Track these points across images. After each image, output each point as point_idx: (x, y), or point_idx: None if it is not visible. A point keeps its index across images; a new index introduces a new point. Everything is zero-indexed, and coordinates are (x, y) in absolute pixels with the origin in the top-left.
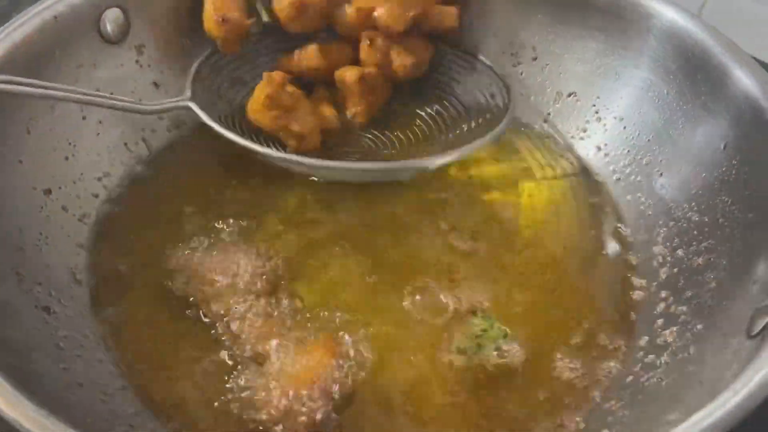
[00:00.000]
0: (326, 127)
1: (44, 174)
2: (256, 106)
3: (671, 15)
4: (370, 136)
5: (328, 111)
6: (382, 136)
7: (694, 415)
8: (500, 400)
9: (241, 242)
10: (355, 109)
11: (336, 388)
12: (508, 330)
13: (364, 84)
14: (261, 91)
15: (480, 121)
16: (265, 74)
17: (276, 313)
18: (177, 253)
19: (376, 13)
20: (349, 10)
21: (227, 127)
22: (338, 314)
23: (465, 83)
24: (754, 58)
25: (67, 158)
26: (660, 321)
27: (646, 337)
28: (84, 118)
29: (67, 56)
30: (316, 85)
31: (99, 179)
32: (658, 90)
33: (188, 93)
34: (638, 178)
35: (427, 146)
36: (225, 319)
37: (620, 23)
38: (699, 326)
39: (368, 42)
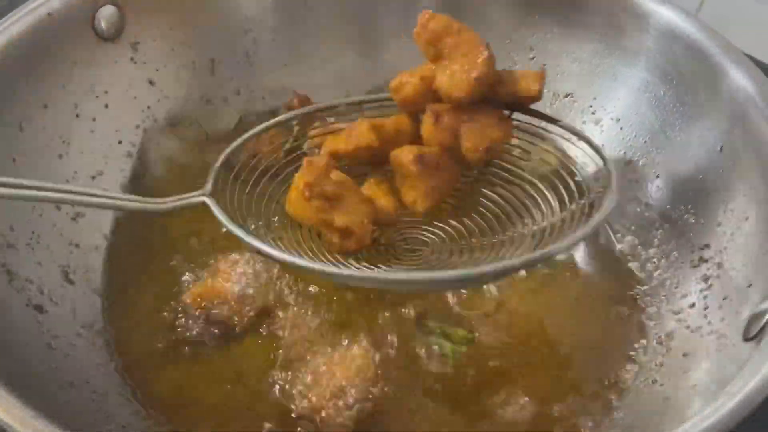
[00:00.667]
0: (381, 220)
1: (37, 172)
2: (294, 197)
3: (668, 15)
4: (432, 229)
5: (384, 199)
6: (448, 227)
7: (688, 419)
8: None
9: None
10: (412, 195)
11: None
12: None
13: (424, 165)
14: (300, 179)
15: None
16: (305, 159)
17: None
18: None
19: (437, 81)
20: (412, 79)
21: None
22: None
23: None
24: (752, 58)
25: (60, 156)
26: (654, 323)
27: (642, 338)
28: (77, 116)
29: (61, 53)
30: (371, 170)
31: (93, 177)
32: (655, 91)
33: (208, 187)
34: (635, 180)
35: (505, 244)
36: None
37: (617, 23)
38: (694, 328)
39: (433, 117)
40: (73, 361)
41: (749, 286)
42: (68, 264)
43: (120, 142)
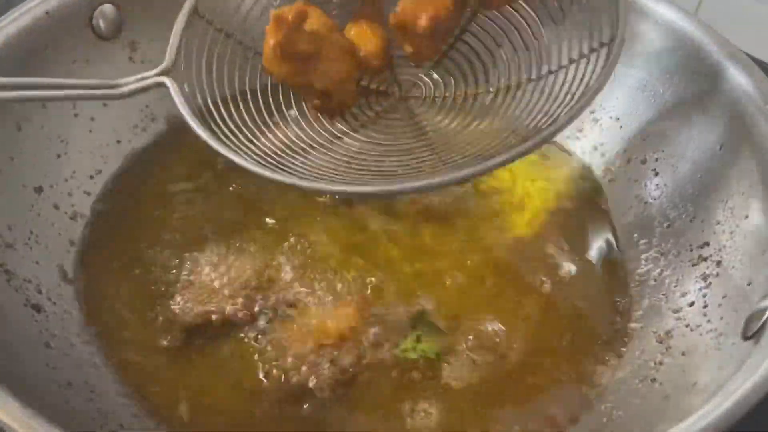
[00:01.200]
0: (369, 68)
1: (35, 172)
2: (267, 56)
3: (667, 13)
4: (427, 79)
5: (370, 43)
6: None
7: (687, 418)
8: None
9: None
10: (415, 49)
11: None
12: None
13: (438, 31)
14: (269, 39)
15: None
16: (272, 13)
17: None
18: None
19: None
20: None
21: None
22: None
23: None
24: (751, 57)
25: (58, 156)
26: (653, 321)
27: (640, 338)
28: (76, 115)
29: (59, 52)
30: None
31: (91, 177)
32: (653, 89)
33: (167, 62)
34: (634, 178)
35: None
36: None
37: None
38: (693, 327)
39: None
40: (72, 361)
41: (749, 284)
42: (66, 263)
43: (119, 142)
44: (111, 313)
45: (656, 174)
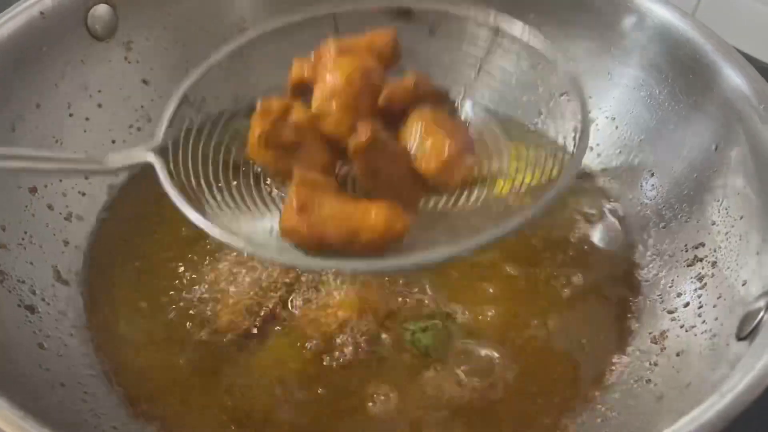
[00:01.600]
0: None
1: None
2: (251, 143)
3: (663, 13)
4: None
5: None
6: None
7: (681, 418)
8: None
9: None
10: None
11: None
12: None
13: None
14: (255, 127)
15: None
16: (258, 104)
17: None
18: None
19: None
20: None
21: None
22: None
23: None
24: (750, 57)
25: None
26: (648, 322)
27: (636, 337)
28: (71, 115)
29: (54, 53)
30: None
31: (86, 177)
32: (650, 89)
33: (156, 139)
34: (630, 178)
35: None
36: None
37: (612, 22)
38: (688, 328)
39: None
40: (65, 361)
41: (743, 284)
42: (60, 264)
43: (113, 142)
44: (105, 314)
45: (652, 174)
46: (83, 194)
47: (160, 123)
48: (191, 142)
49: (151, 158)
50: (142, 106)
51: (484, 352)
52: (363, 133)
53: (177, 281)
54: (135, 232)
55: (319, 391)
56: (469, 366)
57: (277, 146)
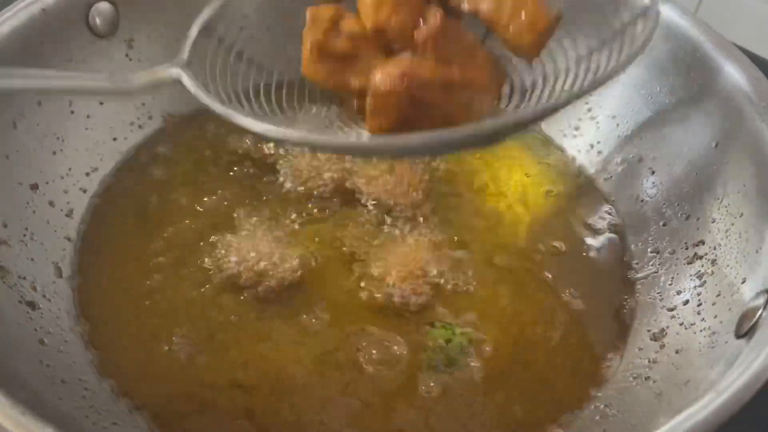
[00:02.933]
0: None
1: (31, 169)
2: (305, 58)
3: (664, 11)
4: None
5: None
6: None
7: (678, 415)
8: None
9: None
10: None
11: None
12: (472, 332)
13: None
14: (305, 40)
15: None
16: (308, 10)
17: None
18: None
19: None
20: None
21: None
22: None
23: None
24: (752, 54)
25: (54, 153)
26: (647, 319)
27: (635, 335)
28: (72, 112)
29: (55, 50)
30: None
31: (87, 174)
32: (650, 87)
33: (183, 56)
34: (630, 176)
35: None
36: None
37: (611, 19)
38: (687, 325)
39: None
40: (66, 358)
41: (743, 282)
42: (62, 260)
43: (115, 139)
44: (106, 310)
45: (652, 172)
46: (84, 191)
47: (186, 39)
48: (219, 58)
49: (177, 73)
50: (143, 104)
51: (482, 349)
52: (433, 17)
53: (177, 279)
54: (136, 230)
55: None
56: (469, 364)
57: (331, 58)
